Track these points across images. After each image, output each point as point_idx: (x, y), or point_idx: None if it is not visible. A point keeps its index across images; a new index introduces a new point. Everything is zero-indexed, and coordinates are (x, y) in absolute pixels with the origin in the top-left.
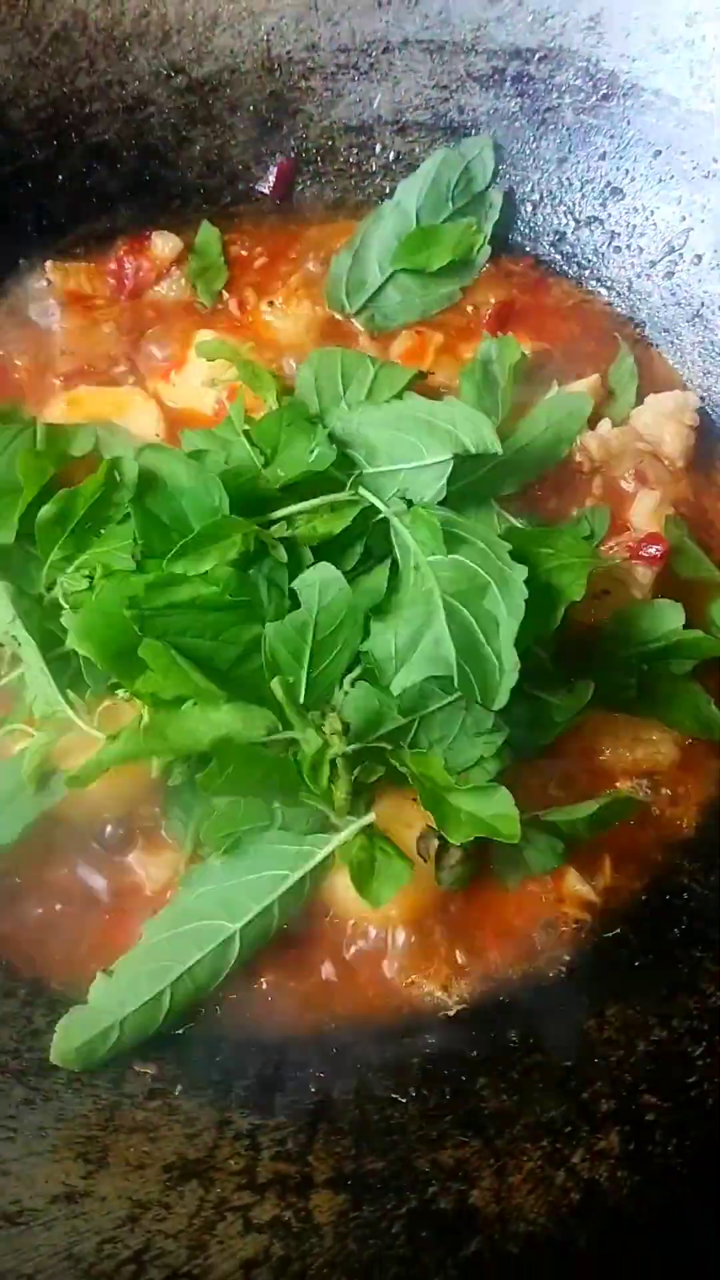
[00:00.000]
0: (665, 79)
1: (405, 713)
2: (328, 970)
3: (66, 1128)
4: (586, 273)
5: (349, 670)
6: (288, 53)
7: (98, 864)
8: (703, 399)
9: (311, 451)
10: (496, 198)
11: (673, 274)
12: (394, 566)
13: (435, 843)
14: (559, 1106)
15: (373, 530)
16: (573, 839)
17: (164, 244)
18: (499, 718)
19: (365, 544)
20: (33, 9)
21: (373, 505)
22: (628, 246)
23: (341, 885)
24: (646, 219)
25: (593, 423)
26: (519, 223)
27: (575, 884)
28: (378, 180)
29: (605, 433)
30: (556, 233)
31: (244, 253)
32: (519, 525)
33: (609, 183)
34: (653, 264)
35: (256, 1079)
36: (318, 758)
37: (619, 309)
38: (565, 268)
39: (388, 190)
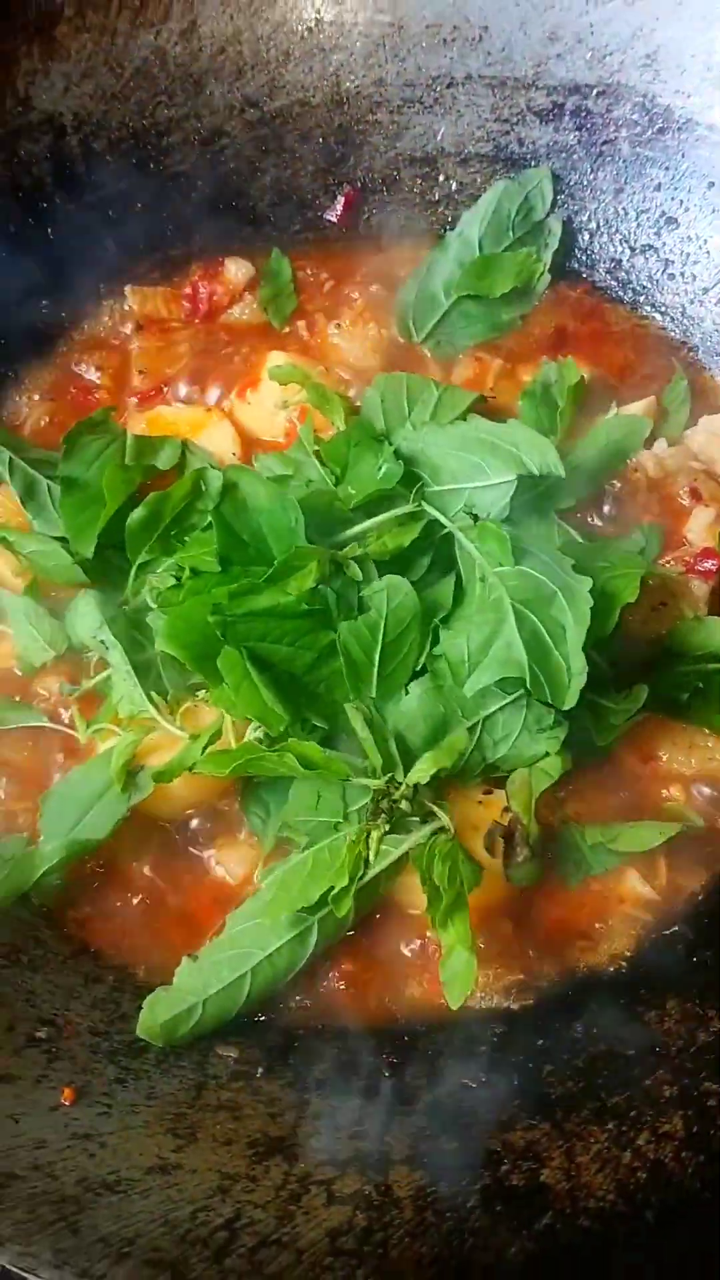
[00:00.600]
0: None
1: (469, 714)
2: (400, 961)
3: (157, 1105)
4: (641, 299)
5: (415, 676)
6: (356, 87)
7: (180, 858)
8: None
9: (379, 469)
10: (556, 227)
11: None
12: (458, 581)
13: (501, 841)
14: (623, 1093)
15: (438, 546)
16: None
17: (237, 269)
18: (559, 714)
19: (431, 558)
20: (115, 46)
21: (437, 521)
22: (681, 274)
23: (414, 881)
24: (700, 247)
25: (649, 442)
26: (577, 251)
27: (635, 883)
28: (440, 209)
29: (661, 451)
30: (613, 260)
31: (312, 278)
32: (578, 539)
33: (664, 212)
34: (705, 290)
35: (332, 1063)
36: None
37: (673, 334)
38: (621, 294)
39: (450, 219)
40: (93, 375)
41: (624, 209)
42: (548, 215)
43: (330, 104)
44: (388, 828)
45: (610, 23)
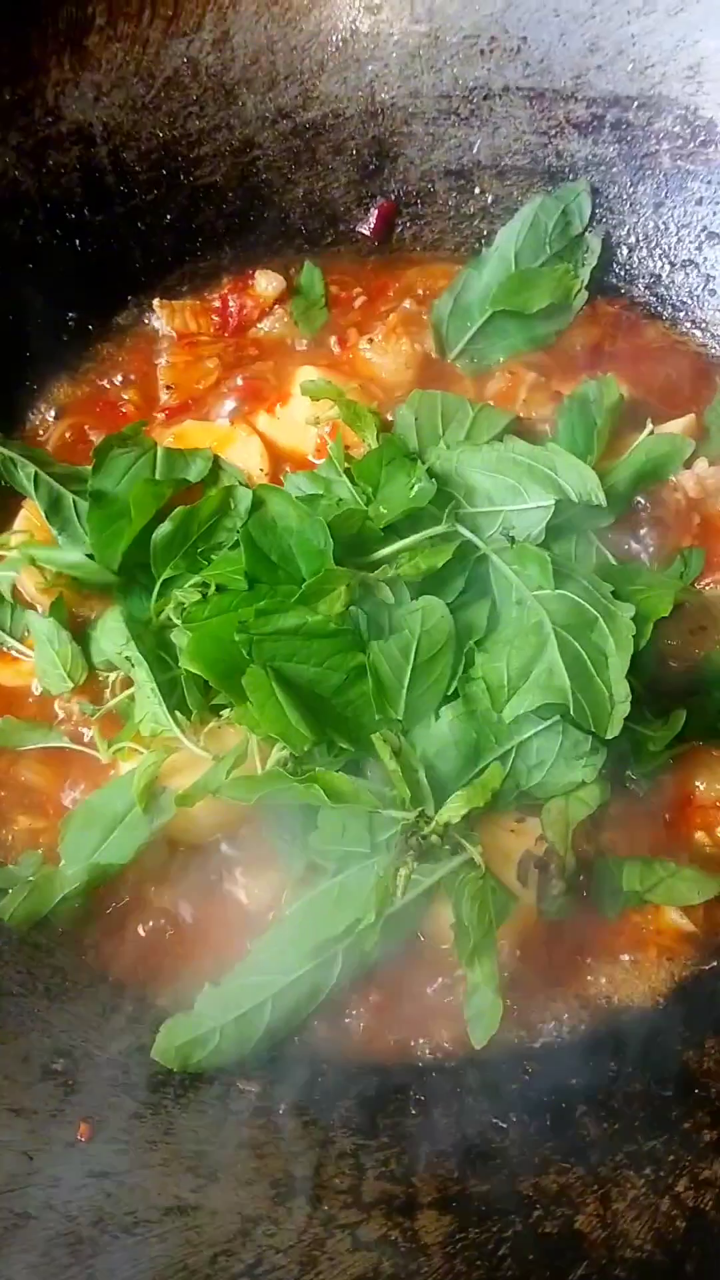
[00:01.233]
0: None
1: (503, 740)
2: (428, 994)
3: (176, 1141)
4: (681, 315)
5: (448, 700)
6: (391, 98)
7: (203, 884)
8: None
9: (412, 488)
10: (595, 243)
11: None
12: (492, 604)
13: (536, 871)
14: (660, 1136)
15: (471, 568)
16: None
17: (267, 283)
18: (596, 740)
19: (464, 580)
20: (147, 55)
21: (471, 543)
22: None
23: (443, 913)
24: None
25: (689, 461)
26: (615, 265)
27: (674, 916)
28: (476, 223)
29: (701, 471)
30: (652, 275)
31: (344, 292)
32: (613, 560)
33: (705, 227)
34: None
35: (357, 1100)
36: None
37: (714, 350)
38: (660, 310)
39: (485, 233)
40: (120, 389)
41: (664, 223)
42: (585, 230)
43: (364, 115)
44: (416, 865)
45: (652, 33)
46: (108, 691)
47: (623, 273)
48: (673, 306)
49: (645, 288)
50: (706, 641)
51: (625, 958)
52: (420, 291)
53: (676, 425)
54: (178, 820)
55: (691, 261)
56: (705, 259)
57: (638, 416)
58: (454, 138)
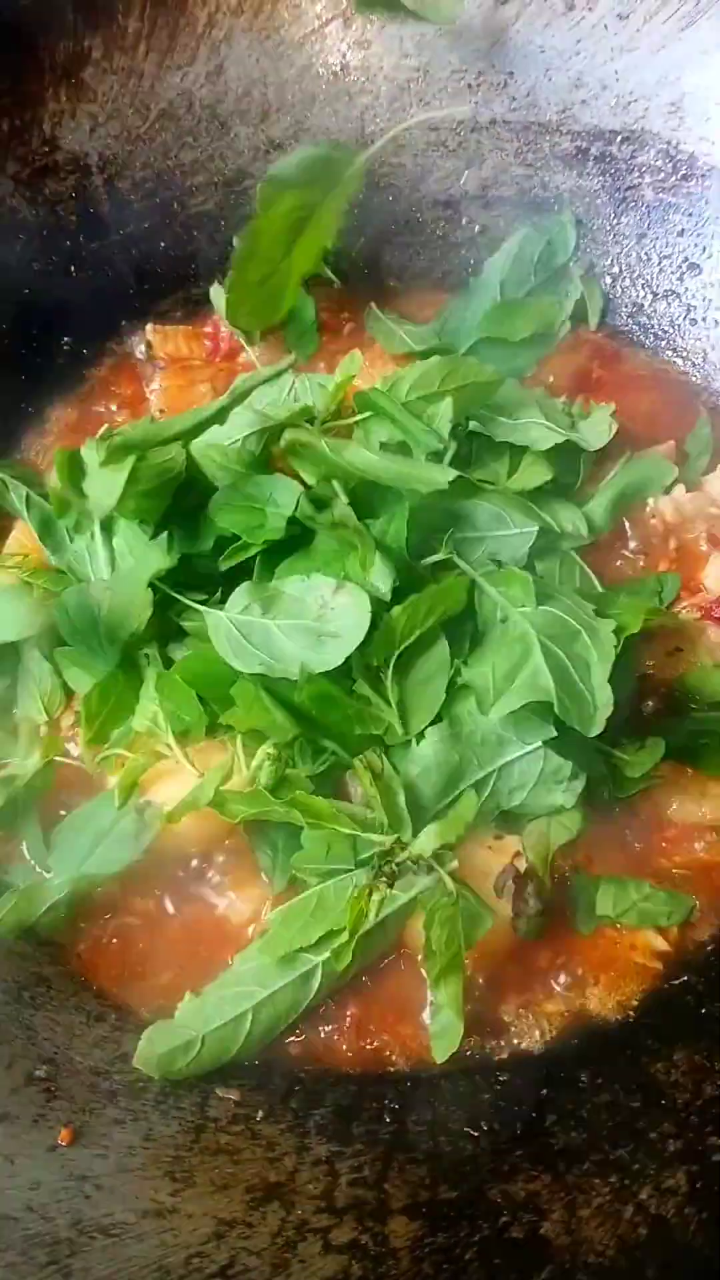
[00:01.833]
0: None
1: (484, 763)
2: (405, 1007)
3: (154, 1147)
4: (663, 343)
5: (434, 721)
6: (381, 130)
7: (186, 896)
8: None
9: None
10: (578, 275)
11: None
12: (475, 628)
13: (512, 885)
14: (627, 1145)
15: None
16: None
17: None
18: (577, 767)
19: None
20: (142, 87)
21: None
22: (704, 319)
23: (420, 925)
24: None
25: (668, 488)
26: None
27: (648, 934)
28: (463, 252)
29: (680, 497)
30: (634, 305)
31: (333, 319)
32: (594, 580)
33: (686, 258)
34: None
35: (333, 1108)
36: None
37: (694, 379)
38: (642, 338)
39: (472, 262)
40: (113, 413)
41: (647, 254)
42: (570, 260)
43: (355, 147)
44: (390, 891)
45: (636, 70)
46: None
47: (606, 302)
48: (654, 335)
49: (628, 316)
50: (682, 664)
51: (597, 971)
52: (408, 319)
53: (657, 452)
54: (163, 832)
55: (673, 291)
56: (686, 289)
57: (619, 443)
58: (442, 169)
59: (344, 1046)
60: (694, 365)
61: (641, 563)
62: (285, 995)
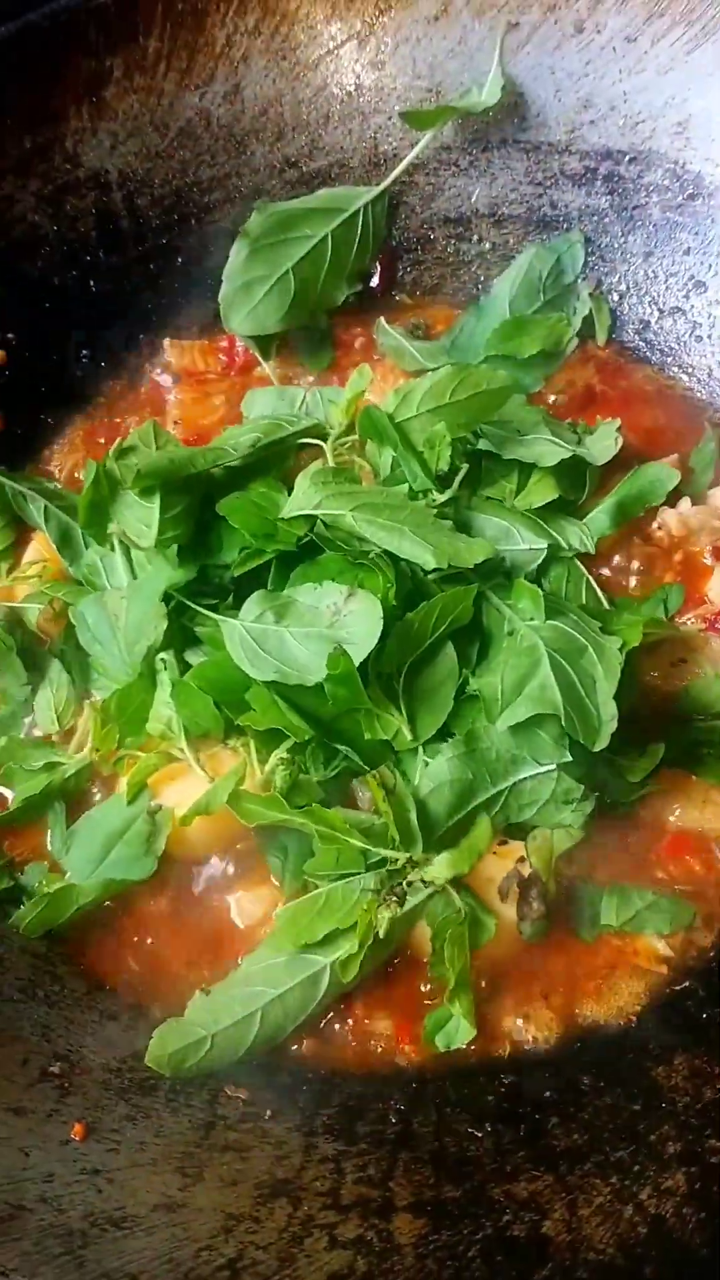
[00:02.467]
0: None
1: (497, 781)
2: (412, 1009)
3: (165, 1143)
4: (669, 360)
5: (444, 734)
6: (393, 149)
7: (197, 898)
8: None
9: None
10: (587, 294)
11: None
12: (484, 636)
13: (518, 890)
14: (628, 1147)
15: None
16: None
17: None
18: (588, 789)
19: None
20: (161, 106)
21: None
22: (709, 336)
23: (426, 929)
24: None
25: (673, 501)
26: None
27: (650, 939)
28: (473, 269)
29: (684, 510)
30: (641, 321)
31: (346, 334)
32: (597, 591)
33: (692, 276)
34: None
35: (340, 1108)
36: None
37: (699, 395)
38: (648, 355)
39: (482, 278)
40: (131, 425)
41: (653, 272)
42: (578, 278)
43: (367, 165)
44: (399, 910)
45: (644, 91)
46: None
47: (613, 318)
48: (661, 352)
49: (635, 333)
50: (686, 674)
51: (601, 976)
52: (419, 333)
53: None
54: (174, 835)
55: (679, 309)
56: (692, 306)
57: (625, 458)
58: (453, 187)
59: (351, 1047)
60: (699, 381)
61: (647, 575)
62: (294, 996)
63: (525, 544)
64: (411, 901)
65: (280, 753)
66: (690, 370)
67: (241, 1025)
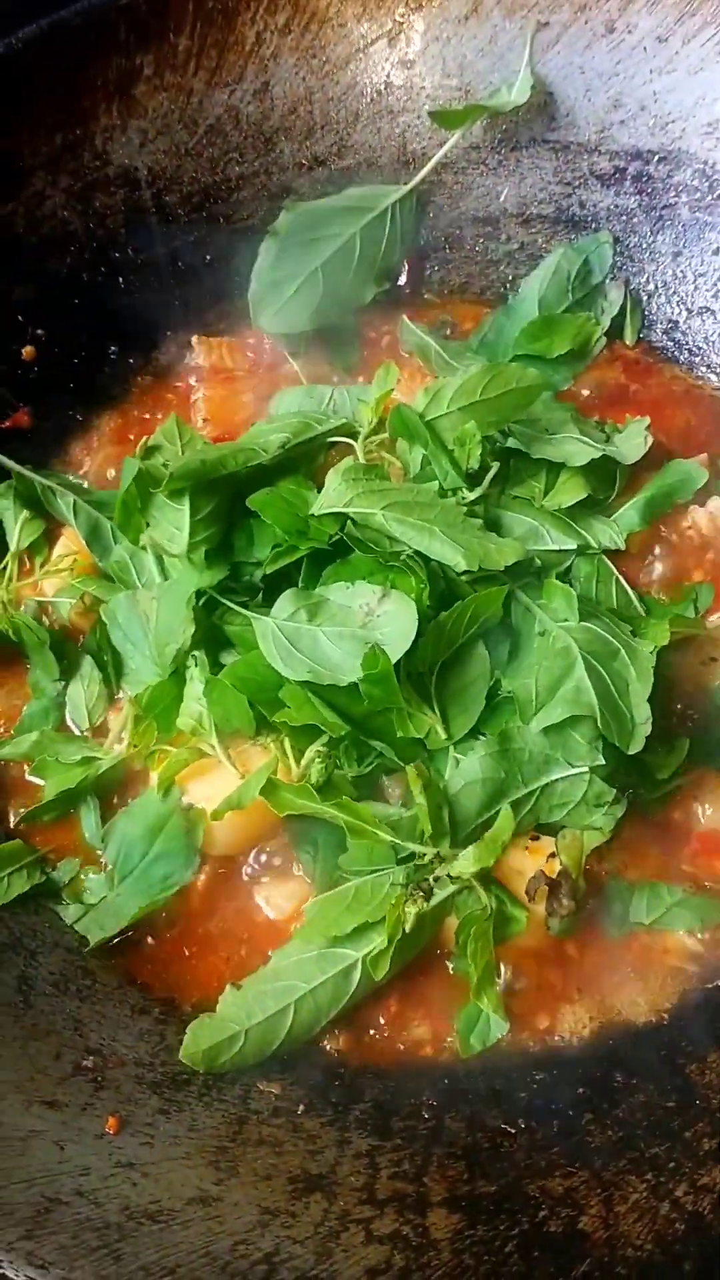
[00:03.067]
0: None
1: (529, 781)
2: (444, 1005)
3: (198, 1137)
4: (697, 359)
5: (476, 734)
6: (422, 149)
7: (228, 893)
8: None
9: None
10: (615, 294)
11: None
12: (514, 637)
13: (546, 888)
14: (663, 1143)
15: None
16: None
17: None
18: (619, 792)
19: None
20: (191, 104)
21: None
22: None
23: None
24: None
25: (703, 499)
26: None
27: (681, 935)
28: (501, 268)
29: (714, 508)
30: (669, 321)
31: (373, 332)
32: (629, 590)
33: None
34: None
35: (373, 1103)
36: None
37: None
38: (677, 354)
39: (510, 277)
40: (159, 421)
41: (682, 272)
42: (606, 279)
43: (396, 163)
44: (426, 905)
45: (673, 91)
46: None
47: (642, 318)
48: (689, 351)
49: (663, 333)
50: (716, 672)
51: (632, 973)
52: (445, 331)
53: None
54: (206, 831)
55: (708, 309)
56: None
57: (654, 457)
58: (482, 186)
59: (383, 1042)
60: None
61: (677, 573)
62: (326, 990)
63: (555, 543)
64: (438, 896)
65: (317, 746)
66: (719, 370)
67: (274, 1020)
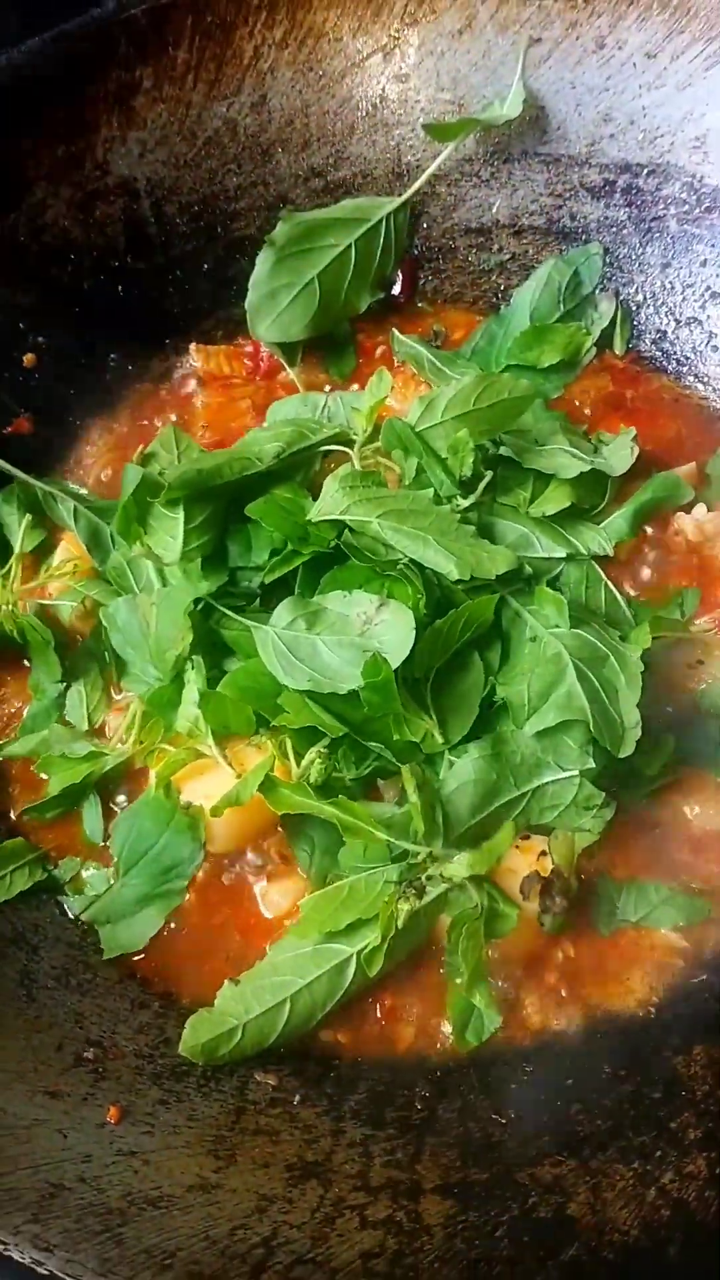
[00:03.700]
0: None
1: (521, 784)
2: (437, 998)
3: (198, 1127)
4: (685, 369)
5: (471, 738)
6: (416, 161)
7: (225, 889)
8: None
9: None
10: (605, 305)
11: None
12: (504, 641)
13: (539, 885)
14: (649, 1133)
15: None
16: None
17: None
18: (608, 795)
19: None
20: (190, 116)
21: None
22: None
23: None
24: None
25: (690, 507)
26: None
27: (666, 932)
28: (494, 278)
29: (701, 516)
30: (658, 331)
31: (369, 340)
32: (618, 596)
33: (709, 287)
34: None
35: (368, 1094)
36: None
37: (715, 404)
38: (665, 364)
39: (503, 287)
40: (158, 428)
41: (671, 283)
42: (596, 289)
43: (391, 175)
44: (418, 903)
45: (662, 106)
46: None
47: (631, 328)
48: (677, 361)
49: (652, 343)
50: (704, 675)
51: (620, 967)
52: (438, 340)
53: (679, 472)
54: (205, 829)
55: (696, 319)
56: (709, 317)
57: (642, 466)
58: (474, 198)
59: (378, 1035)
60: (715, 391)
61: (663, 579)
62: (321, 985)
63: (545, 551)
64: (430, 895)
65: (319, 747)
66: (706, 380)
67: (271, 1014)
